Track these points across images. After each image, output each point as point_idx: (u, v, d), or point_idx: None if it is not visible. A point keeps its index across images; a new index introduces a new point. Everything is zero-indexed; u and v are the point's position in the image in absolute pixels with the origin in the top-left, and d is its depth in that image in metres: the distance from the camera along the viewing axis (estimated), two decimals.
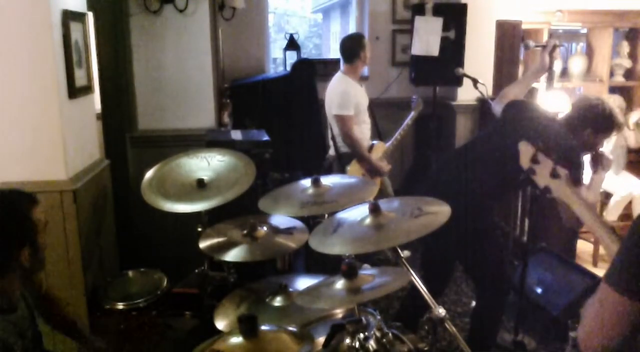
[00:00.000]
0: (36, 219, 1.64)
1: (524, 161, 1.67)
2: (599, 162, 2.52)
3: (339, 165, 3.84)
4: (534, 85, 3.62)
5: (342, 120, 3.71)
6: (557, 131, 2.42)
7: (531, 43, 3.17)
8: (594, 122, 2.52)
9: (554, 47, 2.96)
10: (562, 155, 2.05)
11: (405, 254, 1.82)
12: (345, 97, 3.72)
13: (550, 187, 1.63)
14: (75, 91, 2.50)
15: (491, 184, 2.60)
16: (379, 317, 1.77)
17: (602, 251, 4.66)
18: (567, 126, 2.54)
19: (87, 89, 2.73)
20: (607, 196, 4.56)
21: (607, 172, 2.55)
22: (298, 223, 2.25)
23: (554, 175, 1.62)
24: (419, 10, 4.51)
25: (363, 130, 3.88)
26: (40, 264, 1.70)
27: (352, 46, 3.85)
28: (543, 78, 3.53)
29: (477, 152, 2.71)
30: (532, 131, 2.33)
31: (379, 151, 3.95)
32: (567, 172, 1.63)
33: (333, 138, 3.89)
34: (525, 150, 1.67)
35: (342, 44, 3.93)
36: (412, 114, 4.07)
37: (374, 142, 3.96)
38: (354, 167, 3.83)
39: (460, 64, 4.28)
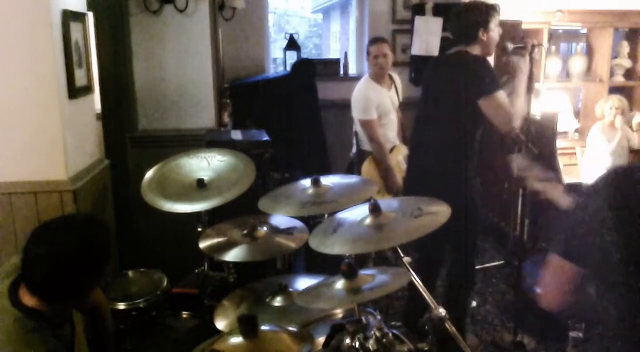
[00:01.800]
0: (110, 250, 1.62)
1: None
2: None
3: (359, 162, 3.88)
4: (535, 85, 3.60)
5: (365, 124, 3.80)
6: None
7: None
8: (475, 20, 2.78)
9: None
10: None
11: (406, 260, 1.83)
12: (365, 102, 3.80)
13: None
14: (75, 91, 2.50)
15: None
16: (379, 317, 1.77)
17: None
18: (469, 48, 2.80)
19: (87, 89, 2.73)
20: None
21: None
22: (298, 223, 2.25)
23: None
24: (419, 10, 4.52)
25: (386, 132, 3.91)
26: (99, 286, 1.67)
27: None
28: (545, 77, 3.51)
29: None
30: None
31: (399, 153, 3.95)
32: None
33: (356, 135, 3.96)
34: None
35: None
36: None
37: (397, 144, 3.98)
38: (367, 165, 3.84)
39: None
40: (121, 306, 2.25)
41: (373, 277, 1.64)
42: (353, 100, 3.91)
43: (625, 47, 5.03)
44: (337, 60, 5.39)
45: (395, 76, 4.07)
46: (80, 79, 2.57)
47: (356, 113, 3.86)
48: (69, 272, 1.49)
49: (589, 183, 1.39)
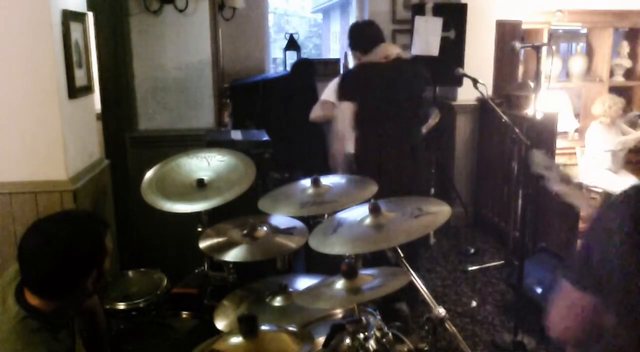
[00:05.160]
0: (106, 244, 1.61)
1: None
2: None
3: None
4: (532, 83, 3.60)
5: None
6: None
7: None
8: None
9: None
10: None
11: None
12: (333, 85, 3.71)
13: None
14: (75, 91, 2.50)
15: None
16: (379, 317, 1.77)
17: None
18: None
19: (87, 89, 2.73)
20: (606, 196, 4.57)
21: None
22: (298, 223, 2.25)
23: None
24: (419, 10, 4.51)
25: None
26: (100, 288, 1.66)
27: None
28: (545, 77, 3.50)
29: None
30: None
31: None
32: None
33: None
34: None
35: None
36: (429, 122, 4.05)
37: None
38: None
39: (460, 64, 4.28)
40: (121, 306, 2.25)
41: (373, 277, 1.64)
42: None
43: (625, 47, 5.04)
44: (337, 60, 5.39)
45: None
46: (80, 79, 2.57)
47: None
48: (65, 263, 1.49)
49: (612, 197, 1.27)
